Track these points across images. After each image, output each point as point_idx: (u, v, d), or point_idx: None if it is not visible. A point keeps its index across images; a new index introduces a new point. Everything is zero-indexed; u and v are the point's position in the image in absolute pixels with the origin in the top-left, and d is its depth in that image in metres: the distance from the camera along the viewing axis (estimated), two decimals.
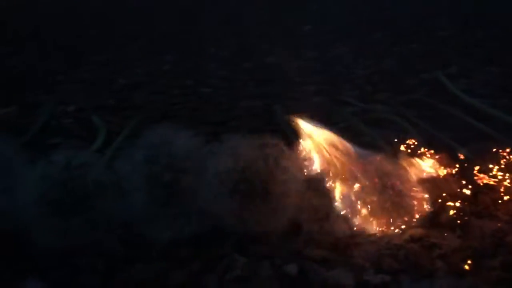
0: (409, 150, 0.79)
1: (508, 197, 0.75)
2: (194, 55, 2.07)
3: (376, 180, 0.72)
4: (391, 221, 0.71)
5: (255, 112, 1.30)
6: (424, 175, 0.74)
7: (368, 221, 0.71)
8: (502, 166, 0.80)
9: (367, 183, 0.72)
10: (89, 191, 0.66)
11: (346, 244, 0.67)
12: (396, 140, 0.84)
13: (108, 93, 1.51)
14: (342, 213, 0.71)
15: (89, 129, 1.18)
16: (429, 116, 1.11)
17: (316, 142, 0.75)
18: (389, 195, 0.71)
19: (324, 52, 2.06)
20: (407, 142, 0.81)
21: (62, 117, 1.28)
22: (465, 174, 0.79)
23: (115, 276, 0.62)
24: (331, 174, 0.72)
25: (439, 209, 0.72)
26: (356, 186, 0.72)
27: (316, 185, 0.71)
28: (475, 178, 0.79)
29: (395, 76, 1.59)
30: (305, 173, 0.72)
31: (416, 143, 0.80)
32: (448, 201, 0.73)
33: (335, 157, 0.74)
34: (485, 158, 0.80)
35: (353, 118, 1.04)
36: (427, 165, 0.76)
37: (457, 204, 0.72)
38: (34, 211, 0.65)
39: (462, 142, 0.89)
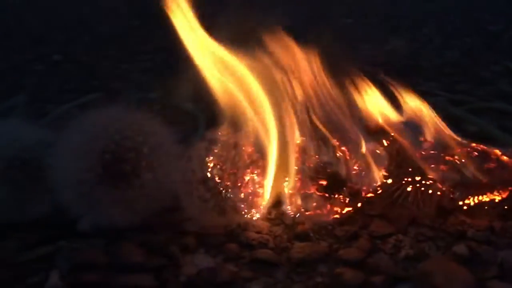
0: None
1: None
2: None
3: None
4: None
5: None
6: None
7: None
8: None
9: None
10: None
11: (502, 227, 0.67)
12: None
13: (179, 81, 1.51)
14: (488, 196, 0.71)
15: (177, 115, 1.19)
16: None
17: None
18: None
19: (379, 44, 2.04)
20: None
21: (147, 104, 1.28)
22: None
23: (287, 251, 0.62)
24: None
25: None
26: None
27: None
28: None
29: (466, 68, 1.58)
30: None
31: None
32: None
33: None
34: None
35: (455, 108, 1.03)
36: None
37: None
38: (192, 189, 0.65)
39: None
